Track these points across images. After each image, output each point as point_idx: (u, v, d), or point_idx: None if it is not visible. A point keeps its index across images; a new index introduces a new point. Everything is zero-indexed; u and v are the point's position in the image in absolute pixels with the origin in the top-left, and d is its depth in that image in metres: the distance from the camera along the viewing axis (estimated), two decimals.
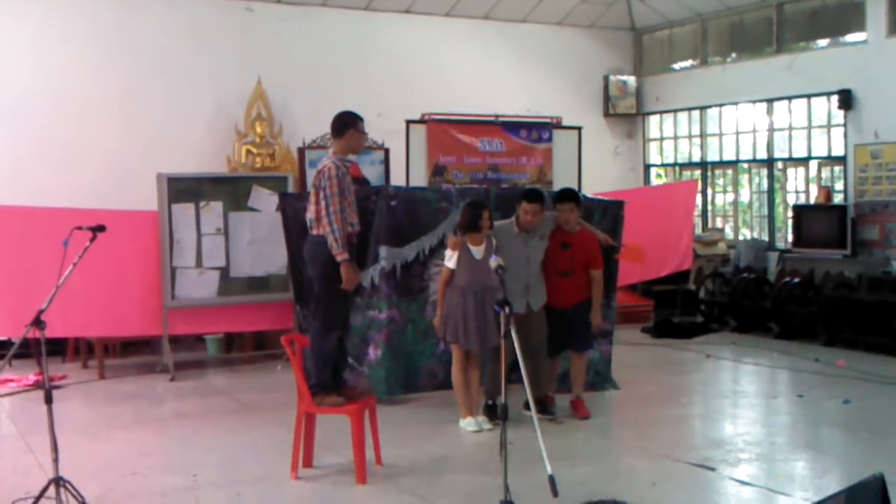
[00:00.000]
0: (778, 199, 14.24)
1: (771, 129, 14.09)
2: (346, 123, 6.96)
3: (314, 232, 6.76)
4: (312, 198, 6.78)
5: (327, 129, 12.20)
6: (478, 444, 7.32)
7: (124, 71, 12.21)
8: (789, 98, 13.73)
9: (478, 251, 7.60)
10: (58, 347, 10.96)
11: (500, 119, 13.18)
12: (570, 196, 8.07)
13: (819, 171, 13.66)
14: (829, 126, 13.28)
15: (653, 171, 16.26)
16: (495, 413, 7.43)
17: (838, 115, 12.98)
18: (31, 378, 9.80)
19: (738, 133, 14.69)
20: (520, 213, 7.78)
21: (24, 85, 11.67)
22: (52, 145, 11.67)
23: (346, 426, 6.46)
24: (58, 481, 5.33)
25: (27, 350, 9.79)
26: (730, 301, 12.96)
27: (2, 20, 11.67)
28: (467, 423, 7.66)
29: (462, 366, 7.70)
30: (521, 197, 7.85)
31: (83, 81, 11.96)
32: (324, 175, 6.72)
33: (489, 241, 7.65)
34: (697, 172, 15.35)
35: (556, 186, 12.20)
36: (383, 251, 8.54)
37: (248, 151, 12.36)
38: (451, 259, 7.65)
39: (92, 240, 5.70)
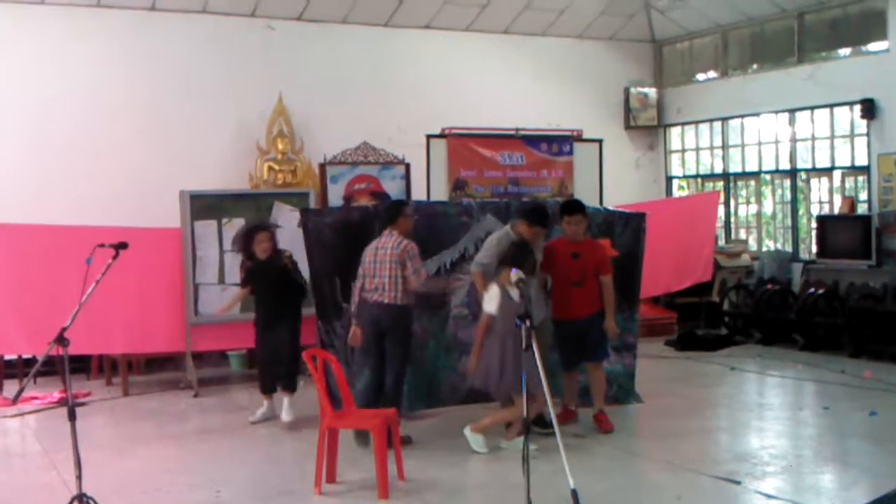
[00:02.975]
0: (801, 210, 14.15)
1: (793, 140, 14.02)
2: (395, 213, 7.94)
3: (390, 301, 7.69)
4: (394, 269, 7.67)
5: (348, 144, 12.50)
6: (500, 458, 7.28)
7: (147, 89, 12.30)
8: (811, 108, 13.65)
9: (515, 292, 7.11)
10: (82, 365, 11.03)
11: (521, 132, 13.18)
12: (578, 208, 8.12)
13: (843, 181, 13.56)
14: (852, 136, 13.20)
15: (675, 182, 16.20)
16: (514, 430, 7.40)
17: (861, 125, 12.89)
18: (56, 395, 9.86)
19: (760, 144, 14.62)
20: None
21: (48, 102, 11.78)
22: (75, 163, 11.78)
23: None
24: (81, 498, 5.35)
25: (52, 367, 9.90)
26: (754, 313, 12.88)
27: (27, 37, 11.80)
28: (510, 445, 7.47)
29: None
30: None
31: (106, 99, 12.06)
32: (409, 251, 7.72)
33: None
34: (720, 184, 15.28)
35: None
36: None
37: (270, 168, 12.43)
38: (490, 302, 7.25)
39: (114, 257, 5.72)
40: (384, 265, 7.68)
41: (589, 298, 7.99)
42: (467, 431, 7.53)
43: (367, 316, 7.79)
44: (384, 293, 7.68)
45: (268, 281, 8.72)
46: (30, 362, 10.50)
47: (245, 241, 8.89)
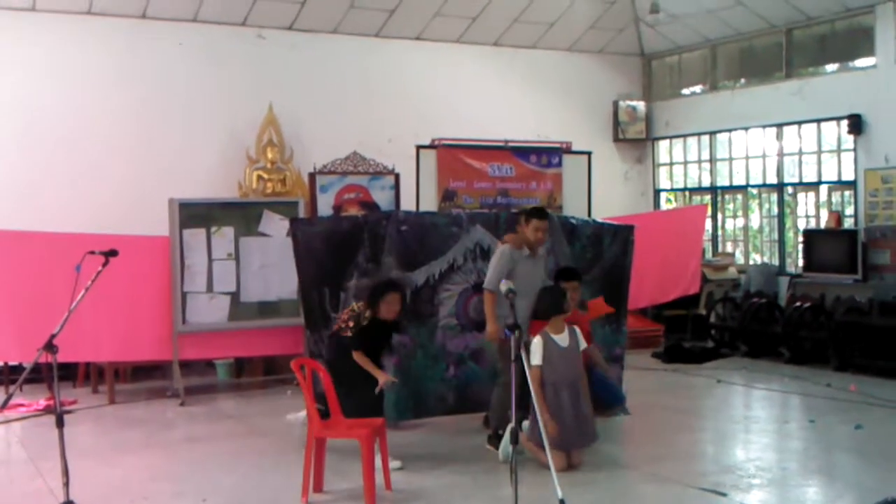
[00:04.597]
0: (788, 224, 14.23)
1: (781, 154, 14.11)
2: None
3: None
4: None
5: (338, 154, 12.53)
6: (488, 469, 7.29)
7: (137, 96, 12.31)
8: (799, 123, 13.75)
9: (562, 339, 7.20)
10: (68, 372, 10.99)
11: (510, 144, 13.22)
12: (575, 274, 8.09)
13: (829, 195, 13.65)
14: (839, 151, 13.29)
15: (663, 195, 16.27)
16: (499, 443, 7.41)
17: (848, 140, 12.99)
18: (42, 403, 9.82)
19: (747, 158, 14.70)
20: (528, 231, 7.70)
21: (39, 110, 11.78)
22: (65, 170, 11.77)
23: (357, 451, 6.45)
24: None
25: (38, 375, 9.84)
26: (740, 326, 12.92)
27: (18, 44, 11.79)
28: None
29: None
30: (530, 214, 7.72)
31: (97, 107, 12.07)
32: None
33: (571, 328, 7.30)
34: (707, 197, 15.36)
35: (566, 211, 12.25)
36: (393, 276, 8.55)
37: (259, 177, 12.43)
38: (535, 355, 7.07)
39: (104, 264, 5.73)
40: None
41: None
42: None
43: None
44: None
45: (376, 345, 7.53)
46: (16, 369, 10.48)
47: (372, 296, 7.53)
